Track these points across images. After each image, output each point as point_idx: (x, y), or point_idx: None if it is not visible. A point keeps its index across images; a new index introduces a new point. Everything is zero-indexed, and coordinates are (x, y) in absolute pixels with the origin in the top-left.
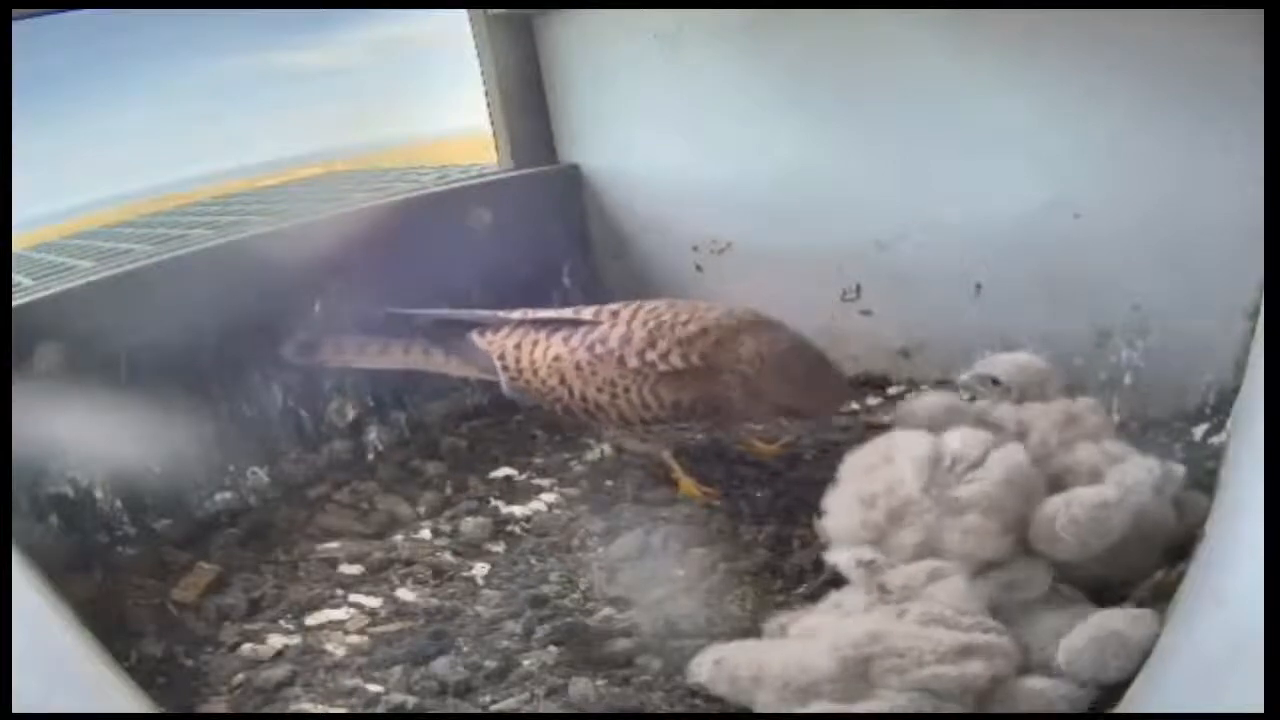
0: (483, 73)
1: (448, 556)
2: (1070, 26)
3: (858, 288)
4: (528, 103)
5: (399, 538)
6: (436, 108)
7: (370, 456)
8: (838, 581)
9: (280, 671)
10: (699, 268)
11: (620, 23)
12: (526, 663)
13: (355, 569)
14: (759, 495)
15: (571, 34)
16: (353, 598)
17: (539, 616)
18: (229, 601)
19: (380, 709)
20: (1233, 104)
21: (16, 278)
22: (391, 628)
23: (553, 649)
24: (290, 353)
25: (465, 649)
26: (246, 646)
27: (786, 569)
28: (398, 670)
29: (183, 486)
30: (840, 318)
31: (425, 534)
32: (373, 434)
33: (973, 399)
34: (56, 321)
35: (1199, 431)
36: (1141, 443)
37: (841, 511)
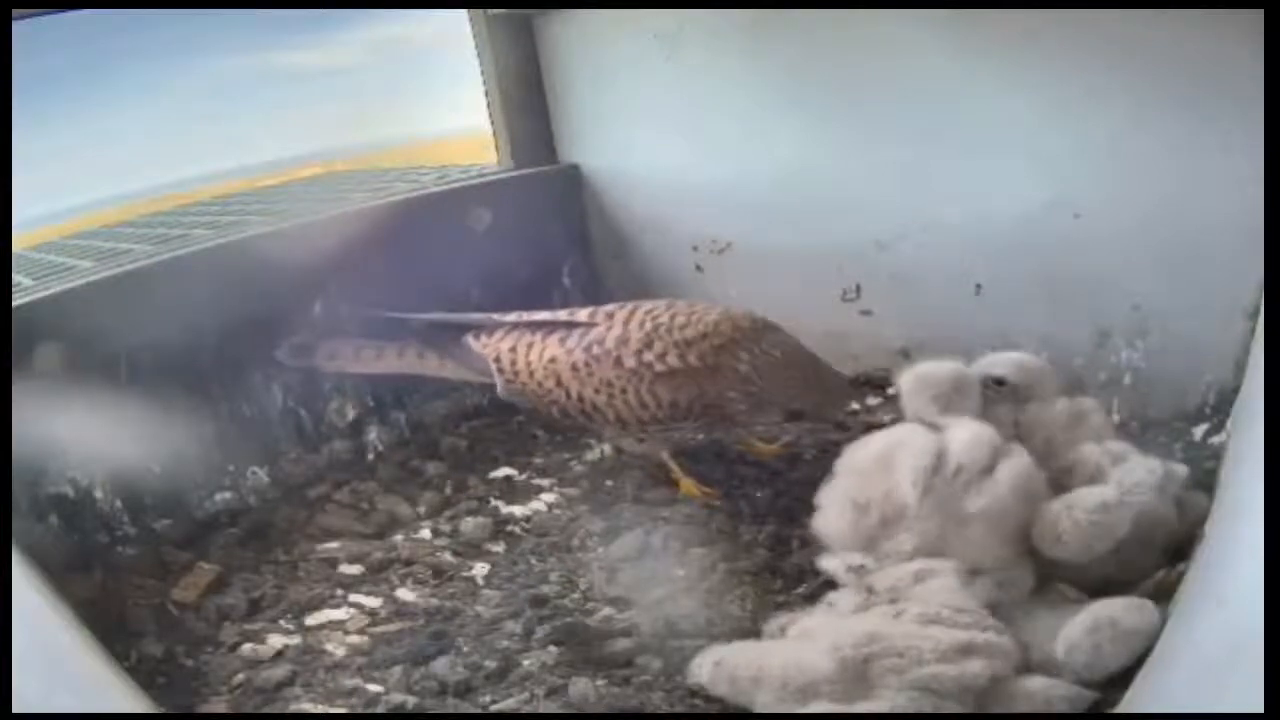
0: (483, 73)
1: (448, 556)
2: (1070, 26)
3: (858, 288)
4: (528, 103)
5: (399, 538)
6: (436, 108)
7: (370, 456)
8: (835, 582)
9: (280, 671)
10: (699, 268)
11: (620, 23)
12: (526, 663)
13: (355, 569)
14: (759, 495)
15: (571, 34)
16: (353, 598)
17: (539, 616)
18: (229, 601)
19: (380, 709)
20: (1233, 104)
21: (16, 278)
22: (391, 628)
23: (553, 649)
24: (285, 355)
25: (465, 649)
26: (246, 646)
27: (786, 569)
28: (398, 670)
29: (183, 486)
30: (840, 318)
31: (425, 534)
32: (373, 434)
33: None
34: (56, 321)
35: (1199, 431)
36: (1141, 443)
37: (834, 511)
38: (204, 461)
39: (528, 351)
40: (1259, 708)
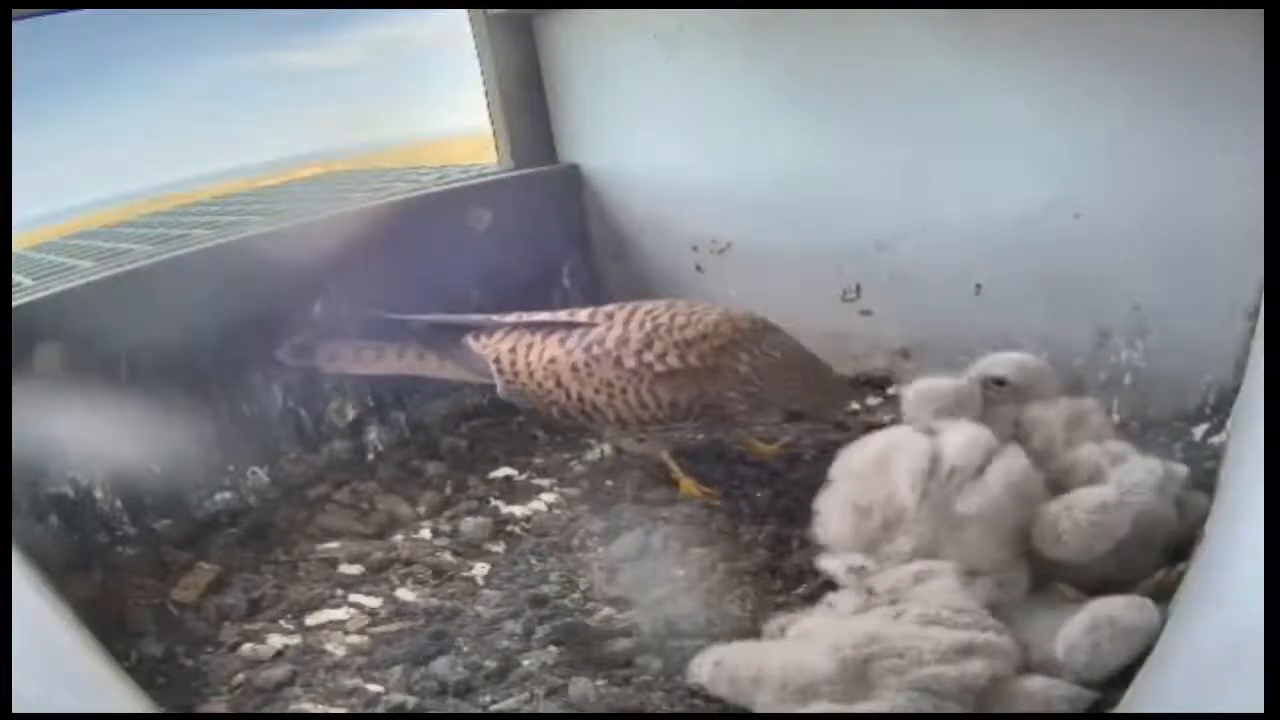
0: (483, 73)
1: (448, 556)
2: (1070, 26)
3: (858, 288)
4: (528, 103)
5: (399, 538)
6: (436, 108)
7: (370, 456)
8: (835, 582)
9: (280, 671)
10: (699, 268)
11: (620, 23)
12: (526, 663)
13: (355, 569)
14: (759, 495)
15: (571, 34)
16: (353, 598)
17: (539, 616)
18: (229, 601)
19: (380, 709)
20: (1233, 104)
21: (16, 278)
22: (391, 628)
23: (553, 649)
24: (285, 356)
25: (465, 649)
26: (246, 646)
27: (786, 569)
28: (398, 670)
29: (183, 486)
30: (840, 318)
31: (425, 534)
32: (373, 434)
33: None
34: (56, 321)
35: (1199, 431)
36: (1141, 443)
37: (834, 516)
38: (204, 461)
39: (527, 352)
40: (1259, 708)
